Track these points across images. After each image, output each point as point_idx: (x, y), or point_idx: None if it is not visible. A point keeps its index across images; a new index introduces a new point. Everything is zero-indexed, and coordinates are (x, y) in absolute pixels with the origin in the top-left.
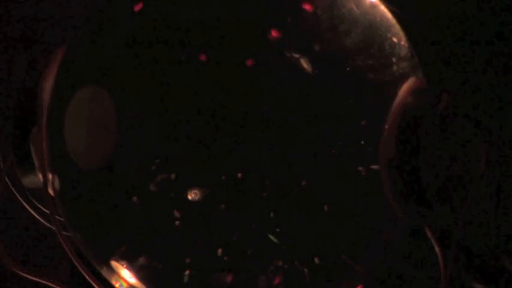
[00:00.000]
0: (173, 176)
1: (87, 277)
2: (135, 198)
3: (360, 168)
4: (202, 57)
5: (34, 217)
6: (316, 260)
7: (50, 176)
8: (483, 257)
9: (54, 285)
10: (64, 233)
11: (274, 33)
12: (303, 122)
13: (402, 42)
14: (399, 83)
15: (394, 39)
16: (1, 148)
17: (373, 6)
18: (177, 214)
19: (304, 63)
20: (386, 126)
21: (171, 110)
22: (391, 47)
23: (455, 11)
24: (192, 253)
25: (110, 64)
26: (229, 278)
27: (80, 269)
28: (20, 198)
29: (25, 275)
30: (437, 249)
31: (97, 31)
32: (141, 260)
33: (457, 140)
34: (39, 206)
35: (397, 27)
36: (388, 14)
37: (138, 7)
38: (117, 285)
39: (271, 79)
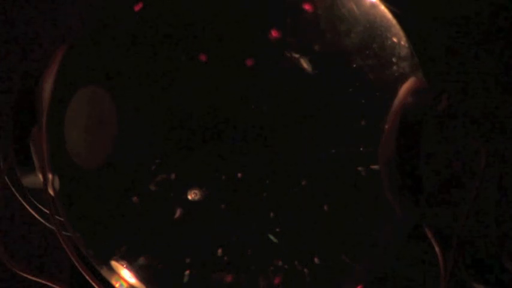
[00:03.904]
0: (173, 176)
1: (87, 277)
2: (135, 198)
3: (360, 168)
4: (202, 57)
5: (34, 217)
6: (316, 260)
7: (50, 176)
8: (483, 257)
9: (54, 285)
10: (64, 233)
11: (274, 33)
12: (303, 121)
13: (402, 42)
14: (399, 83)
15: (394, 39)
16: (1, 148)
17: (373, 6)
18: (177, 214)
19: (304, 63)
20: (386, 126)
21: (171, 110)
22: (391, 47)
23: (455, 11)
24: (192, 253)
25: (110, 64)
26: (229, 278)
27: (80, 269)
28: (20, 198)
29: (25, 275)
30: (437, 249)
31: (97, 31)
32: (141, 260)
33: (457, 140)
34: (39, 206)
35: (397, 27)
36: (388, 14)
37: (138, 7)
38: (117, 285)
39: (271, 79)
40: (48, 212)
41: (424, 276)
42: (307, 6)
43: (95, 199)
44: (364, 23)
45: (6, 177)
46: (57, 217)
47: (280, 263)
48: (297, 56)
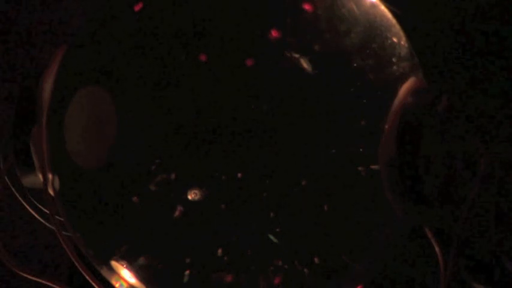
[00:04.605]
0: (173, 176)
1: (87, 277)
2: (135, 198)
3: (360, 168)
4: (202, 57)
5: (34, 217)
6: (316, 260)
7: (50, 176)
8: (483, 257)
9: (54, 285)
10: (64, 233)
11: (274, 33)
12: (303, 121)
13: (402, 42)
14: (399, 83)
15: (394, 39)
16: (1, 148)
17: (373, 6)
18: (177, 214)
19: (304, 63)
20: (387, 126)
21: (171, 110)
22: (391, 47)
23: (455, 11)
24: (192, 253)
25: (110, 64)
26: (229, 278)
27: (80, 269)
28: (20, 198)
29: (25, 275)
30: (437, 249)
31: (97, 31)
32: (141, 260)
33: (457, 140)
34: (39, 206)
35: (397, 27)
36: (388, 14)
37: (138, 7)
38: (117, 285)
39: (271, 79)
40: (48, 212)
41: (424, 276)
42: (307, 6)
43: (95, 199)
44: (364, 23)
45: (6, 177)
46: (57, 217)
47: (280, 263)
48: (297, 56)
